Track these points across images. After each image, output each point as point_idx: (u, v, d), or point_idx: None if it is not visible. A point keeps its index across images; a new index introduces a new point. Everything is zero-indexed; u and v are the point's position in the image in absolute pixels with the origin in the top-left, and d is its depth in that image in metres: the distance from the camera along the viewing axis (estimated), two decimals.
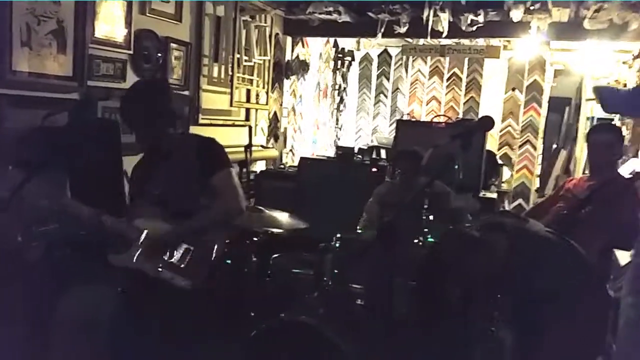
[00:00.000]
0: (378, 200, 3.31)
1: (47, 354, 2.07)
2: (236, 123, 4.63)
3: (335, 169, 4.51)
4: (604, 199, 2.73)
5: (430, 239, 2.67)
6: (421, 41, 5.60)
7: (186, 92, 3.99)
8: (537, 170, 5.94)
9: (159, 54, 3.66)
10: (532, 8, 4.47)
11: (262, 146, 5.13)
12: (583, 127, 6.36)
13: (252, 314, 2.37)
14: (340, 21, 4.95)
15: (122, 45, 3.35)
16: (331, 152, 5.59)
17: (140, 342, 1.88)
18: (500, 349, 2.29)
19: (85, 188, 2.64)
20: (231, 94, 4.40)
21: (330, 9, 4.87)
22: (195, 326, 1.99)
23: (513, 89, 5.81)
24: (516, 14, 4.51)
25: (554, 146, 7.00)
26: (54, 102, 2.88)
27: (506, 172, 5.54)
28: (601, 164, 2.91)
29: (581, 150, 6.04)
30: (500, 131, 5.81)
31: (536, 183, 5.93)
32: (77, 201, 2.14)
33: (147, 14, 3.52)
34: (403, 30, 4.82)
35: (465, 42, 5.46)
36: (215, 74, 4.29)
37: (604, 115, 5.87)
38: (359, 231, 2.96)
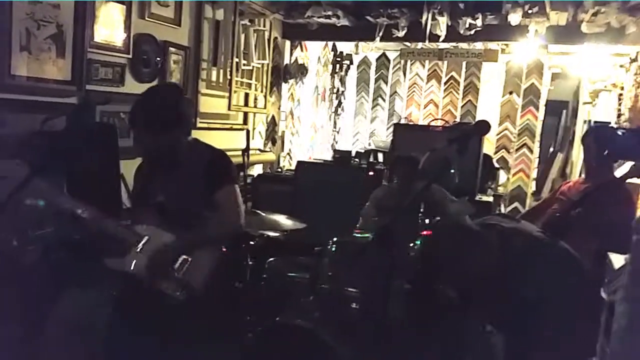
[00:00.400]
0: (375, 204, 3.33)
1: (43, 358, 2.08)
2: (234, 127, 4.65)
3: (333, 172, 4.53)
4: (595, 201, 2.74)
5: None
6: (419, 45, 5.63)
7: (185, 96, 4.01)
8: (534, 173, 5.97)
9: (158, 58, 3.68)
10: (530, 12, 4.48)
11: (259, 150, 5.15)
12: (580, 131, 6.38)
13: (248, 318, 2.38)
14: (338, 25, 4.97)
15: (121, 49, 3.37)
16: (328, 156, 5.60)
17: (135, 346, 1.89)
18: (494, 350, 2.31)
19: (83, 192, 2.65)
20: (229, 97, 4.42)
21: (329, 13, 4.89)
22: (191, 330, 2.00)
23: (510, 93, 5.84)
24: (514, 18, 4.52)
25: (551, 149, 7.01)
26: (52, 106, 2.90)
27: (502, 176, 5.56)
28: (596, 166, 2.92)
29: (578, 154, 6.06)
30: (497, 135, 5.83)
31: (532, 186, 5.95)
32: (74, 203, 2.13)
33: (146, 18, 3.54)
34: (401, 34, 4.84)
35: (464, 45, 5.48)
36: (213, 78, 4.31)
37: (600, 118, 5.90)
38: (358, 234, 2.97)
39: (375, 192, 3.44)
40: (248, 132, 3.19)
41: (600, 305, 1.73)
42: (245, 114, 4.84)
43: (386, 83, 6.80)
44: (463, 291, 2.53)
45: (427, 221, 2.80)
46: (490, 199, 4.54)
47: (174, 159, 2.13)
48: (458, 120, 6.08)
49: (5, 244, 2.14)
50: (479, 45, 5.57)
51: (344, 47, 6.40)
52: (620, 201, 2.75)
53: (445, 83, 6.40)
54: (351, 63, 6.56)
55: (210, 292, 2.01)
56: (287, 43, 5.43)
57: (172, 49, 3.82)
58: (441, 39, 4.76)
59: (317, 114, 6.33)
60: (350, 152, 5.07)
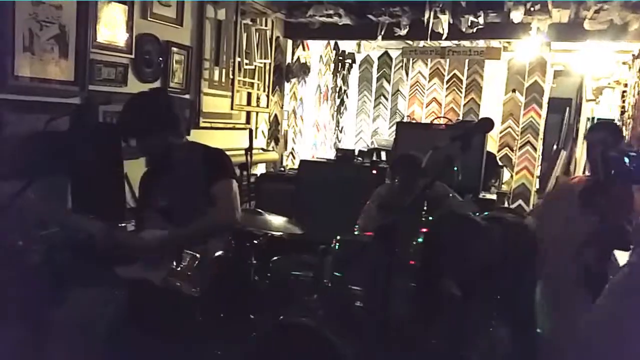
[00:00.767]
0: (378, 202, 3.32)
1: (48, 358, 2.08)
2: (237, 126, 4.66)
3: (336, 171, 4.53)
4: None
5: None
6: (421, 43, 5.63)
7: (187, 96, 4.02)
8: (537, 171, 5.95)
9: (160, 58, 3.69)
10: (532, 9, 4.47)
11: (262, 149, 5.15)
12: (583, 128, 6.37)
13: (252, 316, 2.38)
14: (340, 24, 4.97)
15: (124, 49, 3.38)
16: (331, 155, 5.61)
17: (141, 345, 1.89)
18: (499, 345, 2.31)
19: (86, 192, 2.66)
20: (232, 97, 4.43)
21: (331, 11, 4.89)
22: (196, 329, 2.01)
23: (513, 90, 5.83)
24: (516, 16, 4.51)
25: (555, 147, 7.00)
26: (55, 106, 2.90)
27: (506, 174, 5.55)
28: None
29: (581, 151, 6.05)
30: (501, 132, 5.82)
31: (536, 184, 5.94)
32: (81, 214, 2.15)
33: (149, 19, 3.55)
34: (403, 32, 4.83)
35: (466, 43, 5.48)
36: (216, 78, 4.31)
37: (604, 115, 5.88)
38: (357, 232, 2.97)
39: (378, 189, 3.44)
40: (251, 131, 3.19)
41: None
42: (248, 114, 4.85)
43: (388, 81, 6.79)
44: (466, 285, 2.53)
45: (430, 218, 2.79)
46: (494, 196, 4.53)
47: (170, 162, 2.16)
48: (461, 118, 6.07)
49: (11, 243, 2.15)
50: (481, 43, 5.56)
51: (346, 45, 6.40)
52: (620, 198, 2.74)
53: (447, 81, 6.39)
54: (353, 62, 6.56)
55: (215, 291, 2.02)
56: (289, 42, 5.43)
57: (174, 49, 3.82)
58: (443, 37, 4.75)
59: (320, 113, 6.33)
60: (353, 150, 5.07)
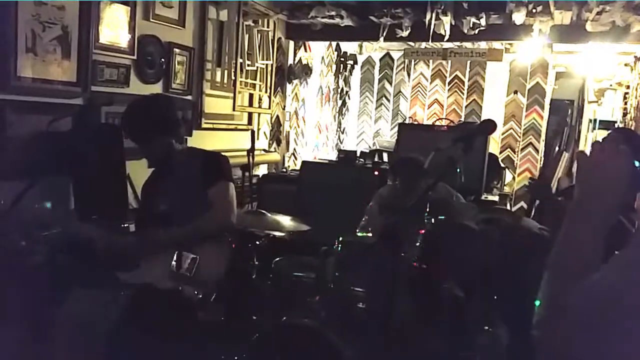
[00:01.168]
0: (380, 203, 3.32)
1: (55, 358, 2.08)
2: (239, 127, 4.66)
3: (338, 172, 4.52)
4: None
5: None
6: (423, 45, 5.62)
7: (189, 97, 4.02)
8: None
9: (162, 59, 3.69)
10: (534, 11, 4.47)
11: (264, 150, 5.15)
12: (585, 130, 6.36)
13: (254, 317, 2.38)
14: (342, 25, 4.97)
15: (126, 50, 3.38)
16: (333, 156, 5.61)
17: (142, 348, 1.89)
18: (499, 347, 2.30)
19: (89, 193, 2.66)
20: (234, 98, 4.43)
21: (333, 13, 4.89)
22: (197, 331, 2.01)
23: (515, 92, 5.82)
24: (518, 17, 4.51)
25: (557, 149, 6.99)
26: (58, 107, 2.91)
27: (508, 175, 5.54)
28: None
29: None
30: (502, 134, 5.81)
31: None
32: (83, 217, 2.17)
33: (151, 20, 3.55)
34: (405, 33, 4.83)
35: (468, 45, 5.47)
36: (218, 79, 4.32)
37: (606, 117, 5.88)
38: (359, 233, 2.97)
39: (381, 190, 3.43)
40: (253, 132, 3.18)
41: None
42: (250, 115, 4.85)
43: (390, 83, 6.79)
44: (464, 288, 2.54)
45: (432, 220, 2.79)
46: (496, 198, 4.53)
47: (170, 167, 2.20)
48: (463, 119, 6.07)
49: (13, 244, 2.15)
50: (483, 45, 5.56)
51: (348, 47, 6.41)
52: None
53: (449, 83, 6.39)
54: (355, 63, 6.56)
55: (217, 293, 2.02)
56: (291, 43, 5.43)
57: (176, 50, 3.83)
58: (445, 39, 4.75)
59: (322, 114, 6.33)
60: (355, 152, 5.06)
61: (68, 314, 2.02)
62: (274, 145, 5.30)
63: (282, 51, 5.25)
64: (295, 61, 5.49)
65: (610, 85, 6.03)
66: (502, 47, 5.52)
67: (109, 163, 2.81)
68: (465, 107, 6.29)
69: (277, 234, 2.62)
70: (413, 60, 6.42)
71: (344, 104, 6.59)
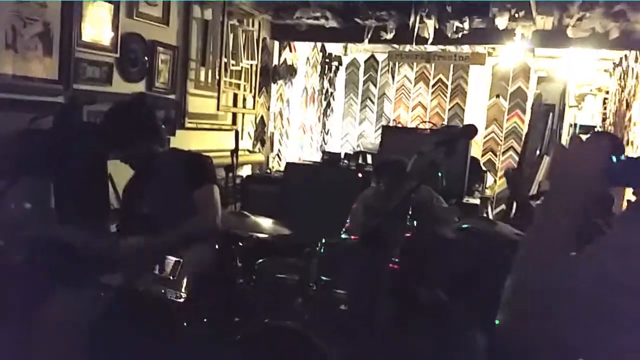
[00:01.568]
0: (364, 205, 3.33)
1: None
2: (223, 127, 4.63)
3: (322, 174, 4.53)
4: None
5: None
6: (407, 47, 5.66)
7: (172, 96, 3.99)
8: None
9: (146, 58, 3.66)
10: (516, 16, 4.53)
11: (248, 151, 5.14)
12: (566, 134, 6.46)
13: (237, 319, 2.37)
14: (327, 26, 4.97)
15: (109, 48, 3.35)
16: (318, 157, 5.61)
17: (124, 350, 1.87)
18: (479, 352, 2.33)
19: (70, 192, 2.63)
20: (218, 98, 4.41)
21: (318, 14, 4.90)
22: (180, 333, 2.00)
23: (497, 96, 5.90)
24: (501, 22, 4.57)
25: (537, 152, 7.09)
26: (39, 105, 2.87)
27: (490, 178, 5.60)
28: None
29: None
30: (484, 137, 5.89)
31: None
32: (64, 221, 2.15)
33: (134, 18, 3.52)
34: (390, 36, 4.86)
35: (451, 48, 5.52)
36: (202, 78, 4.29)
37: (586, 122, 5.98)
38: (343, 235, 2.98)
39: (364, 192, 3.45)
40: (237, 132, 3.18)
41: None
42: (234, 115, 4.83)
43: (375, 85, 6.82)
44: (444, 294, 2.56)
45: (415, 223, 2.81)
46: (477, 201, 4.58)
47: (152, 170, 2.20)
48: (446, 123, 6.12)
49: None
50: (466, 49, 5.62)
51: (333, 48, 6.41)
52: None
53: (433, 86, 6.44)
54: (340, 64, 6.58)
55: (200, 295, 2.02)
56: (276, 44, 5.42)
57: (160, 49, 3.79)
58: (429, 42, 4.79)
59: (306, 115, 6.34)
60: (339, 153, 5.07)
61: (47, 316, 2.00)
62: (258, 145, 5.29)
63: (267, 51, 5.23)
64: (280, 62, 5.49)
65: (591, 91, 6.13)
66: (484, 51, 5.58)
67: (91, 162, 2.77)
68: (449, 110, 6.34)
69: (261, 235, 2.62)
70: (397, 63, 6.46)
71: (328, 105, 6.60)
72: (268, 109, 5.40)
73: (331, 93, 6.60)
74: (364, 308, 2.16)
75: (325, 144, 6.58)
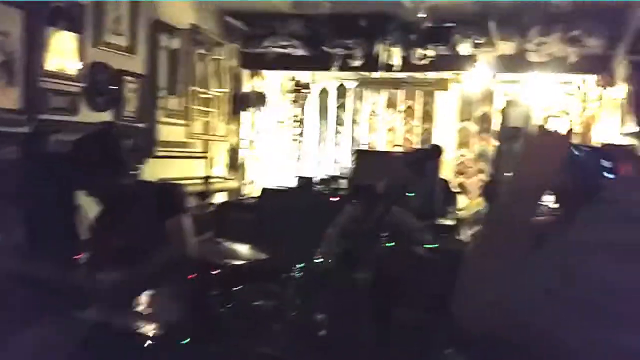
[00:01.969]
0: (338, 228, 3.31)
1: None
2: (194, 155, 4.58)
3: (296, 199, 4.51)
4: None
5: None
6: (376, 74, 5.76)
7: (142, 125, 3.93)
8: None
9: (113, 87, 3.61)
10: (477, 42, 4.68)
11: (222, 178, 5.08)
12: None
13: (214, 348, 2.29)
14: (296, 55, 5.03)
15: (75, 77, 3.29)
16: (291, 183, 5.59)
17: None
18: None
19: (36, 224, 2.53)
20: (188, 126, 4.36)
21: (286, 43, 4.96)
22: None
23: (465, 120, 6.03)
24: (463, 48, 4.71)
25: (506, 174, 7.23)
26: (3, 136, 2.77)
27: (463, 200, 5.66)
28: None
29: None
30: (455, 161, 5.98)
31: None
32: (31, 253, 2.07)
33: (100, 47, 3.48)
34: (357, 63, 4.95)
35: (417, 75, 5.65)
36: (171, 106, 4.25)
37: None
38: (318, 259, 2.94)
39: (339, 216, 3.43)
40: (208, 160, 3.14)
41: None
42: (206, 142, 4.79)
43: (345, 111, 6.88)
44: (419, 313, 2.55)
45: (389, 245, 2.81)
46: (451, 222, 4.60)
47: (121, 202, 2.15)
48: (416, 147, 6.19)
49: None
50: (431, 75, 5.75)
51: (303, 76, 6.47)
52: None
53: (402, 111, 6.53)
54: (310, 92, 6.63)
55: (176, 326, 1.95)
56: (246, 72, 5.44)
57: (127, 78, 3.75)
58: (395, 69, 4.89)
59: (279, 141, 6.34)
60: (312, 178, 5.07)
61: (15, 352, 1.88)
62: (232, 172, 5.24)
63: (236, 79, 5.24)
64: (251, 89, 5.50)
65: (555, 114, 6.32)
66: (448, 77, 5.72)
67: (58, 193, 2.67)
68: (420, 134, 6.43)
69: (236, 262, 2.56)
70: (367, 90, 6.55)
71: (300, 132, 6.62)
72: (239, 136, 5.38)
73: (302, 120, 6.63)
74: (343, 331, 2.12)
75: (299, 169, 6.57)
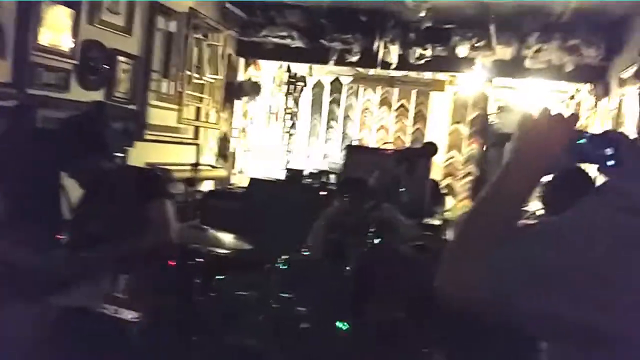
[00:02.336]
0: (326, 221, 3.30)
1: None
2: (184, 141, 4.53)
3: (285, 191, 4.48)
4: None
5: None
6: (372, 71, 5.74)
7: (133, 106, 3.88)
8: None
9: (106, 66, 3.55)
10: (477, 45, 4.68)
11: (211, 166, 5.04)
12: None
13: (194, 338, 2.27)
14: (293, 46, 4.99)
15: (67, 54, 3.23)
16: (281, 175, 5.57)
17: None
18: None
19: (20, 201, 2.48)
20: (180, 111, 4.32)
21: (284, 33, 4.92)
22: (135, 353, 1.89)
23: (457, 122, 6.03)
24: (462, 50, 4.71)
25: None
26: None
27: (450, 201, 5.68)
28: None
29: None
30: (445, 162, 5.99)
31: None
32: (11, 232, 2.03)
33: (96, 25, 3.42)
34: (354, 59, 4.92)
35: (413, 74, 5.64)
36: (164, 90, 4.20)
37: None
38: (304, 252, 2.93)
39: (327, 209, 3.42)
40: (198, 147, 3.11)
41: None
42: (197, 129, 4.74)
43: (339, 106, 6.86)
44: (402, 313, 2.55)
45: (376, 240, 2.80)
46: (438, 222, 4.61)
47: (103, 186, 2.13)
48: (407, 146, 6.20)
49: None
50: (427, 75, 5.75)
51: (299, 68, 6.44)
52: None
53: (395, 110, 6.53)
54: (305, 85, 6.60)
55: (156, 313, 1.92)
56: (242, 60, 5.40)
57: (121, 58, 3.69)
58: (392, 67, 4.88)
59: (270, 132, 6.30)
60: (302, 171, 5.04)
61: None
62: (221, 161, 5.20)
63: (231, 67, 5.19)
64: (245, 78, 5.45)
65: None
66: (445, 78, 5.72)
67: (43, 170, 2.63)
68: (410, 134, 6.43)
69: (220, 251, 2.53)
70: (361, 86, 6.53)
71: (292, 124, 6.59)
72: (231, 124, 5.34)
73: (296, 112, 6.60)
74: (324, 325, 2.11)
75: (289, 162, 6.54)
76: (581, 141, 0.81)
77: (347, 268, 2.35)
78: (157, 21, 4.02)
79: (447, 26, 4.69)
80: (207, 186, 4.96)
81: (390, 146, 5.25)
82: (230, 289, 2.46)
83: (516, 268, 0.74)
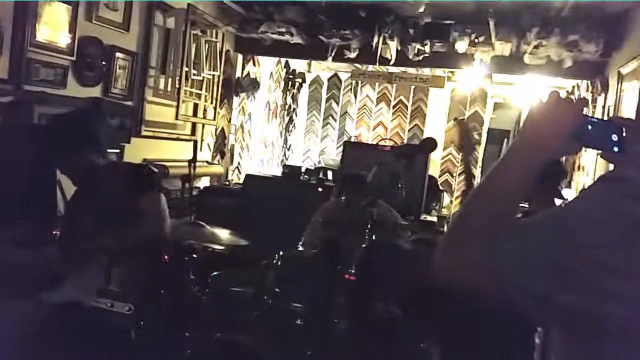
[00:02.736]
0: (323, 217, 3.31)
1: None
2: (181, 137, 4.54)
3: (282, 187, 4.49)
4: None
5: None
6: (370, 67, 5.73)
7: (130, 103, 3.88)
8: None
9: (103, 62, 3.55)
10: (476, 41, 4.67)
11: (207, 162, 5.04)
12: None
13: (188, 334, 2.28)
14: (291, 42, 4.98)
15: (65, 50, 3.23)
16: (278, 172, 5.57)
17: None
18: None
19: (15, 196, 2.49)
20: (177, 107, 4.32)
21: (283, 29, 4.91)
22: (129, 349, 1.90)
23: (455, 119, 6.03)
24: (461, 46, 4.69)
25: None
26: None
27: (446, 198, 5.69)
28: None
29: None
30: (442, 158, 5.99)
31: None
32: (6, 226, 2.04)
33: (93, 21, 3.41)
34: (353, 55, 4.91)
35: (412, 70, 5.63)
36: (161, 86, 4.20)
37: None
38: (301, 247, 2.94)
39: (324, 205, 3.43)
40: (195, 142, 3.11)
41: None
42: (194, 125, 4.74)
43: (337, 103, 6.86)
44: (399, 307, 2.56)
45: (373, 237, 2.80)
46: (434, 219, 4.62)
47: (96, 182, 2.13)
48: (405, 142, 6.20)
49: None
50: (426, 72, 5.74)
51: (297, 64, 6.43)
52: None
53: (394, 106, 6.53)
54: (303, 81, 6.59)
55: (150, 308, 1.93)
56: (240, 56, 5.39)
57: (118, 54, 3.69)
58: (391, 63, 4.87)
59: (268, 129, 6.30)
60: (299, 167, 5.05)
61: None
62: (218, 157, 5.20)
63: (230, 63, 5.19)
64: (243, 75, 5.45)
65: None
66: (444, 74, 5.71)
67: (39, 166, 2.63)
68: (408, 130, 6.44)
69: (216, 247, 2.54)
70: (360, 82, 6.53)
71: (290, 120, 6.58)
72: (229, 121, 5.34)
73: (294, 109, 6.60)
74: (320, 321, 2.12)
75: (286, 159, 6.55)
76: (587, 126, 0.81)
77: (344, 264, 2.35)
78: (154, 17, 4.02)
79: (446, 22, 4.68)
80: (204, 182, 4.97)
81: (387, 142, 5.24)
82: (225, 285, 2.47)
83: (519, 253, 0.74)
